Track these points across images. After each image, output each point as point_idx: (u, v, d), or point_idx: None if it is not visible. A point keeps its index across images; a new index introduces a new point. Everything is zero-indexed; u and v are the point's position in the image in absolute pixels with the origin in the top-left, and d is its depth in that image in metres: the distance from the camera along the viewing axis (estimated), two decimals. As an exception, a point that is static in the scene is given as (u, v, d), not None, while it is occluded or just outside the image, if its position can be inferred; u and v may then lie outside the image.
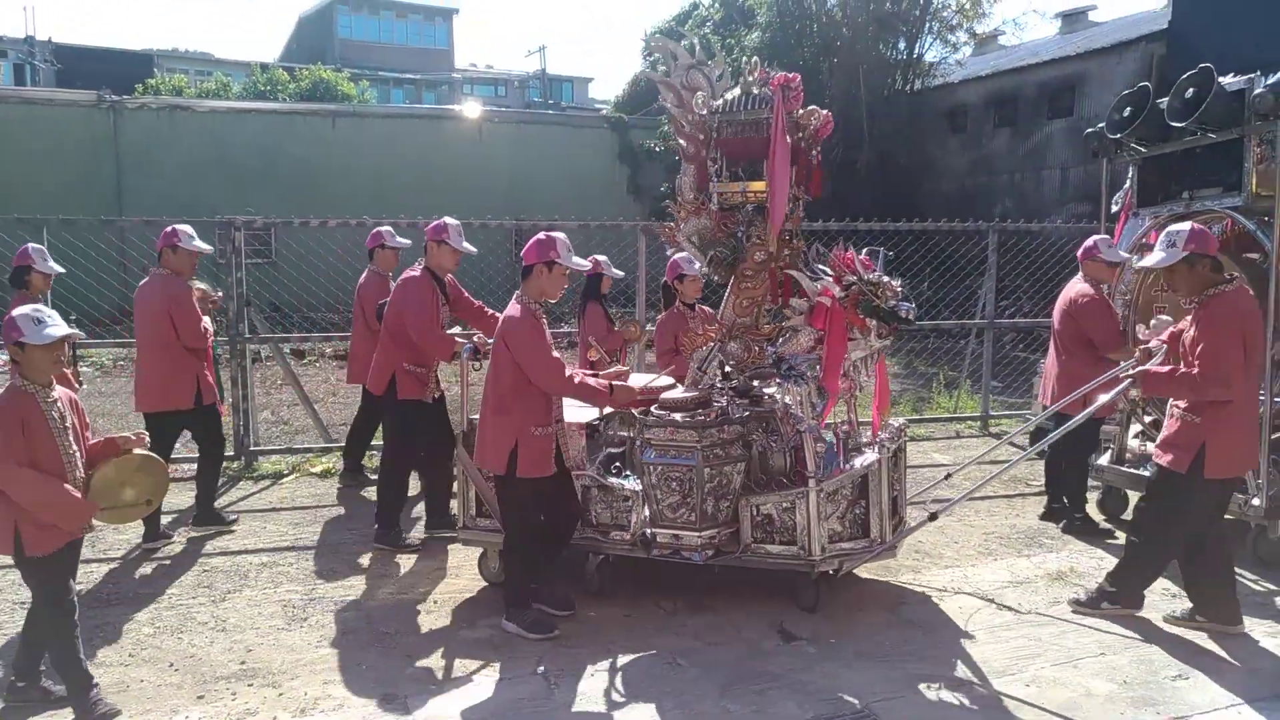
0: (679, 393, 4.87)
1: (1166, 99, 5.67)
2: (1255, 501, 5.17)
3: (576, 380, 4.37)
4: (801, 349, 4.56)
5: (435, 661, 4.20)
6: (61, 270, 6.20)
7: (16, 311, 3.55)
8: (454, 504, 5.48)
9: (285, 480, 7.49)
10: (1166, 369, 4.32)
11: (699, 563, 4.56)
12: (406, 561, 5.54)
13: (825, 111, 4.91)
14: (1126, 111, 5.92)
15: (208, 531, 6.03)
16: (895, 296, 4.43)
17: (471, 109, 26.09)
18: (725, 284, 5.07)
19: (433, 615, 4.73)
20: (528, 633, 4.40)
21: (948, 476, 5.58)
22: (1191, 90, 5.48)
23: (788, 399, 4.62)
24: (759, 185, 4.78)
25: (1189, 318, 4.28)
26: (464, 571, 5.34)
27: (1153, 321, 5.54)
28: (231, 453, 7.59)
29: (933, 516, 4.65)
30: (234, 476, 7.51)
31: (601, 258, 6.75)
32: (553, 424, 4.48)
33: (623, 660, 4.16)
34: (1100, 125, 6.16)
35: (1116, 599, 4.59)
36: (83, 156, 20.13)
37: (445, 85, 47.22)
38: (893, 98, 21.63)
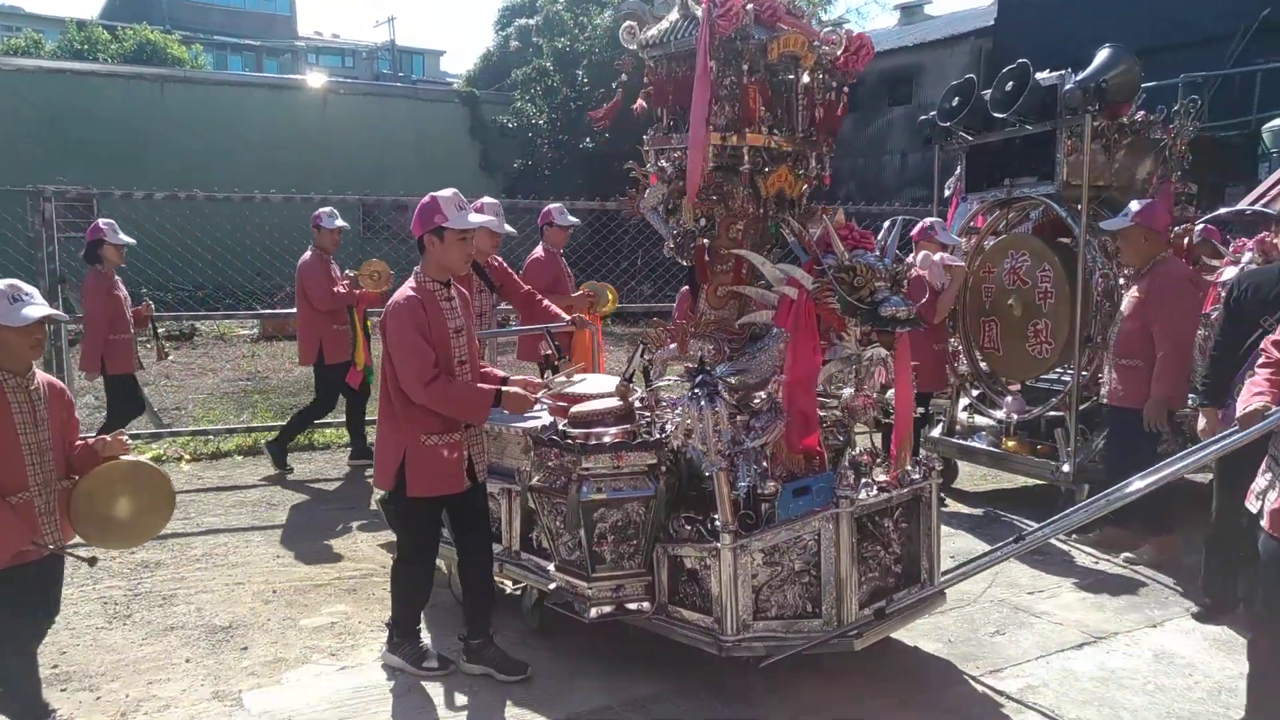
0: (598, 403, 3.79)
1: (990, 91, 6.01)
2: (1065, 468, 5.58)
3: (445, 385, 3.53)
4: (773, 357, 3.60)
5: (272, 654, 4.04)
6: (133, 241, 6.65)
7: None
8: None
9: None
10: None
11: (586, 620, 3.58)
12: (242, 549, 5.29)
13: (860, 34, 3.84)
14: (955, 101, 6.24)
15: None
16: (884, 288, 3.41)
17: (316, 79, 24.95)
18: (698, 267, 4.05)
19: (270, 605, 4.54)
20: (412, 666, 3.79)
21: (1020, 539, 3.70)
22: (1011, 84, 5.82)
23: (687, 422, 3.47)
24: (684, 139, 3.66)
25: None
26: (304, 559, 5.16)
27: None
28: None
29: (879, 614, 3.51)
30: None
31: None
32: (458, 430, 3.67)
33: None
34: (933, 114, 6.47)
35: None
36: None
37: (288, 54, 44.98)
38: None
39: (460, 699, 3.65)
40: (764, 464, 3.56)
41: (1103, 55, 5.80)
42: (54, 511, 3.17)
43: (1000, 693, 3.67)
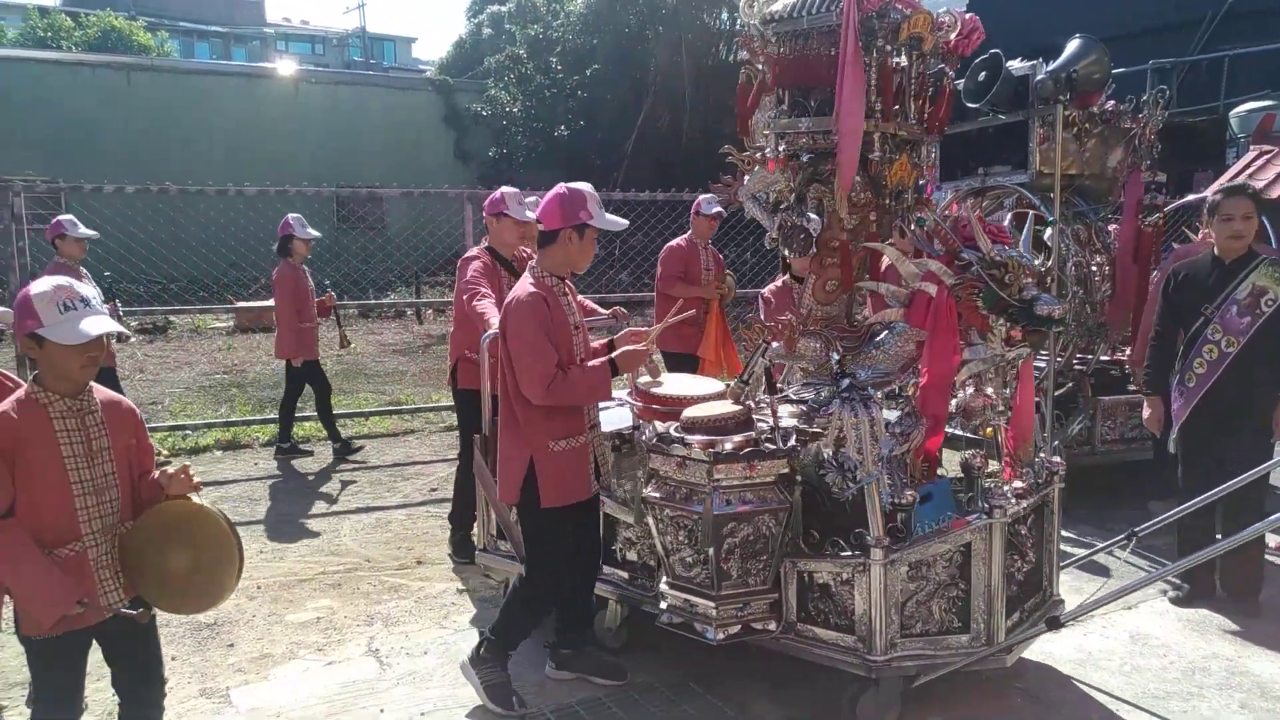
0: (712, 407, 3.52)
1: (963, 80, 6.06)
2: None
3: (563, 380, 3.25)
4: (896, 358, 3.41)
5: (258, 650, 4.04)
6: (319, 235, 7.20)
7: (39, 286, 2.41)
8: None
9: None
10: None
11: (712, 642, 3.27)
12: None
13: (969, 15, 3.62)
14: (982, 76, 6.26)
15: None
16: (1032, 285, 3.23)
17: (286, 67, 24.68)
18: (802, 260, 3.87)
19: (255, 601, 4.54)
20: (486, 697, 3.48)
21: (1132, 536, 3.68)
22: (983, 74, 5.88)
23: (844, 429, 3.31)
24: (824, 122, 3.45)
25: None
26: (288, 553, 5.15)
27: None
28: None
29: (1054, 624, 3.31)
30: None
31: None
32: (584, 431, 3.46)
33: (460, 642, 4.14)
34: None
35: None
36: None
37: (256, 40, 44.45)
38: (717, 67, 22.05)
39: (451, 675, 3.68)
40: (904, 473, 3.37)
41: (1073, 46, 5.88)
42: (117, 563, 2.58)
43: (980, 675, 3.75)
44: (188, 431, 7.72)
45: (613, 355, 3.43)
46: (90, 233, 6.63)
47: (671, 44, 20.79)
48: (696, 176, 15.18)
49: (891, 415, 3.41)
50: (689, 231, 6.58)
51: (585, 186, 3.43)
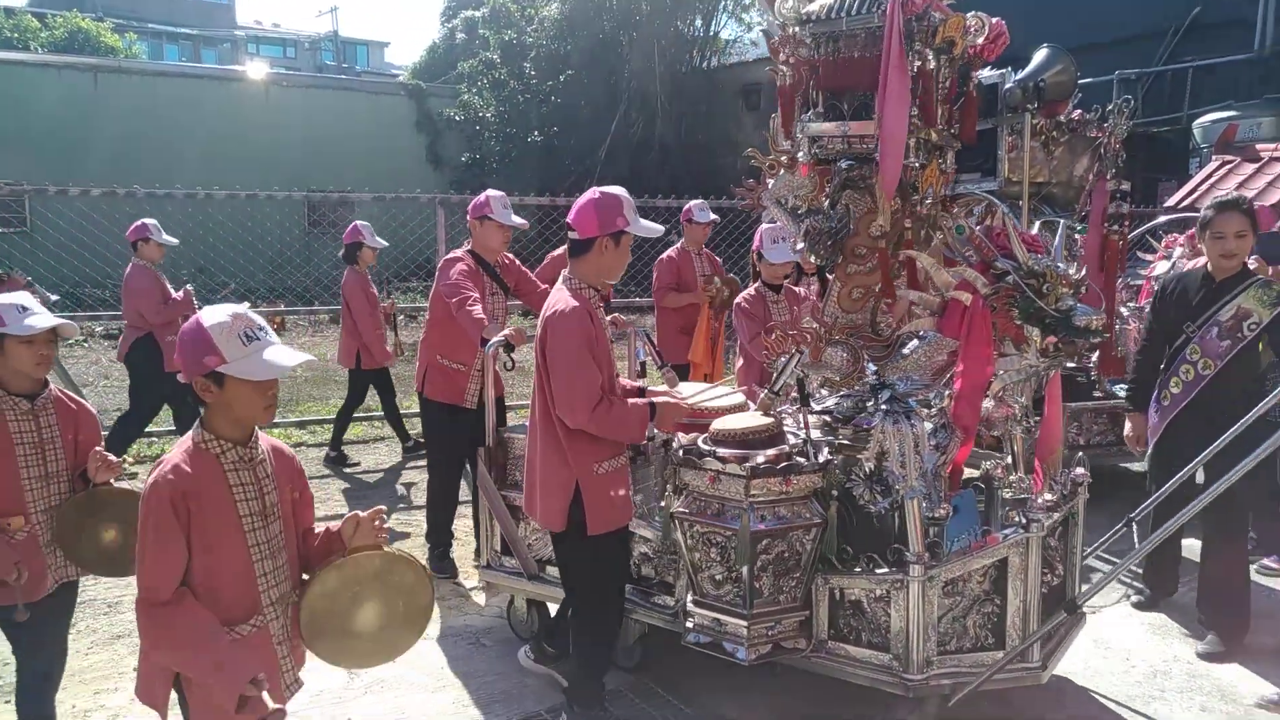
0: (741, 419, 3.47)
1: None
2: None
3: (607, 410, 3.09)
4: (926, 368, 3.32)
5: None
6: (386, 244, 7.32)
7: (213, 317, 2.16)
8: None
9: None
10: None
11: (743, 662, 3.20)
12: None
13: (995, 19, 3.57)
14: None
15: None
16: (1070, 295, 3.15)
17: (257, 70, 24.46)
18: (828, 265, 3.70)
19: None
20: None
21: (1129, 523, 3.47)
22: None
23: (886, 443, 3.23)
24: (866, 126, 3.32)
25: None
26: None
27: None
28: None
29: (1071, 608, 3.22)
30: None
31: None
32: (624, 452, 3.31)
33: (430, 651, 4.12)
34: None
35: None
36: None
37: (227, 43, 44.01)
38: (691, 74, 22.13)
39: (423, 680, 3.65)
40: (940, 486, 3.30)
41: (1041, 55, 5.93)
42: (290, 634, 2.32)
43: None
44: (153, 439, 7.62)
45: (653, 401, 3.27)
46: (171, 240, 6.81)
47: (645, 51, 20.84)
48: (670, 183, 15.23)
49: (926, 427, 3.33)
50: (680, 240, 6.54)
51: (620, 191, 3.26)
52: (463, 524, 5.26)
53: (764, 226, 5.04)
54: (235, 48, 43.77)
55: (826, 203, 3.49)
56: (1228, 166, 8.85)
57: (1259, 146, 9.15)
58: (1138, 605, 4.48)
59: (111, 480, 2.87)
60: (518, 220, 4.99)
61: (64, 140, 18.28)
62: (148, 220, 6.72)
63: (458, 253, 4.94)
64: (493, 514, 4.02)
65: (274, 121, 20.77)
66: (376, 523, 2.31)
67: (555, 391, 3.11)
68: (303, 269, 13.14)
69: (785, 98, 3.50)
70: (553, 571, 3.91)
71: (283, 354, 2.18)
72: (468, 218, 4.99)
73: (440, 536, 5.01)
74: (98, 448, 2.92)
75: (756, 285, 5.19)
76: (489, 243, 4.90)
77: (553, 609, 3.98)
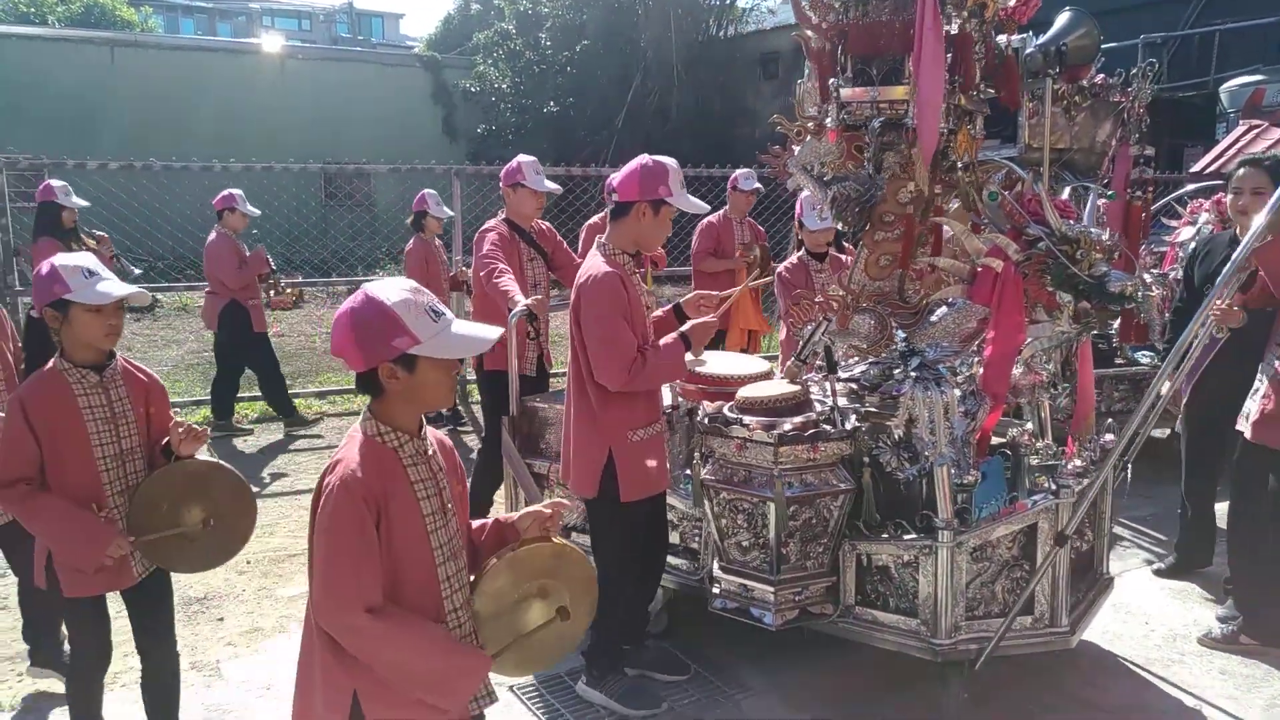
0: (767, 387, 3.52)
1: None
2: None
3: (641, 365, 3.08)
4: (955, 334, 3.26)
5: (249, 623, 4.06)
6: (450, 214, 7.38)
7: (394, 294, 1.88)
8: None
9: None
10: None
11: (770, 627, 3.23)
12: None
13: None
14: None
15: None
16: (1103, 261, 3.11)
17: (273, 43, 24.42)
18: (856, 232, 3.63)
19: (245, 576, 4.55)
20: (622, 706, 3.33)
21: (1126, 467, 3.58)
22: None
23: (915, 410, 3.20)
24: (897, 91, 3.26)
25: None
26: (278, 528, 5.16)
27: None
28: None
29: (1061, 540, 3.15)
30: None
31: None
32: (661, 418, 3.32)
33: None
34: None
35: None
36: None
37: (242, 16, 43.95)
38: (707, 43, 21.90)
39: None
40: (970, 453, 3.30)
41: (1063, 19, 5.82)
42: (471, 633, 2.05)
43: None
44: (175, 409, 7.69)
45: (684, 330, 3.22)
46: (255, 210, 7.15)
47: (661, 20, 20.62)
48: (685, 153, 15.13)
49: (955, 394, 3.32)
50: (725, 207, 6.57)
51: (670, 161, 3.24)
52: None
53: (803, 194, 4.95)
54: (250, 21, 43.70)
55: (870, 166, 3.42)
56: (1255, 131, 8.68)
57: (1287, 111, 8.98)
58: (1157, 572, 4.47)
59: (195, 453, 2.73)
60: (551, 185, 4.98)
61: (81, 115, 18.37)
62: (234, 190, 7.03)
63: (491, 223, 4.91)
64: (517, 481, 4.03)
65: (289, 94, 20.77)
66: (546, 510, 2.11)
67: (592, 357, 3.11)
68: (320, 240, 13.17)
69: (816, 62, 3.42)
70: (577, 539, 3.93)
71: (474, 328, 1.97)
72: (501, 185, 4.98)
73: (480, 503, 5.01)
74: (179, 418, 2.79)
75: (799, 254, 5.11)
76: (523, 209, 4.87)
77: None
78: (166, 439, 2.74)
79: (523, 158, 4.92)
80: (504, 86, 21.65)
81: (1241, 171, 4.05)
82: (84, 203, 6.74)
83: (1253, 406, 3.79)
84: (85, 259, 2.59)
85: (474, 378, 5.86)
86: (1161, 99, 7.92)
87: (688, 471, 3.59)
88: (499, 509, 4.59)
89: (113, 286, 2.57)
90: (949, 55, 3.18)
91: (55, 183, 6.54)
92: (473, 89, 21.80)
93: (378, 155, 12.60)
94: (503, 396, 4.60)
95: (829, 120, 3.38)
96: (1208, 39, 13.57)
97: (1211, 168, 8.49)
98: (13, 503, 2.58)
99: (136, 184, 11.52)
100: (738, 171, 6.65)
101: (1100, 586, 3.61)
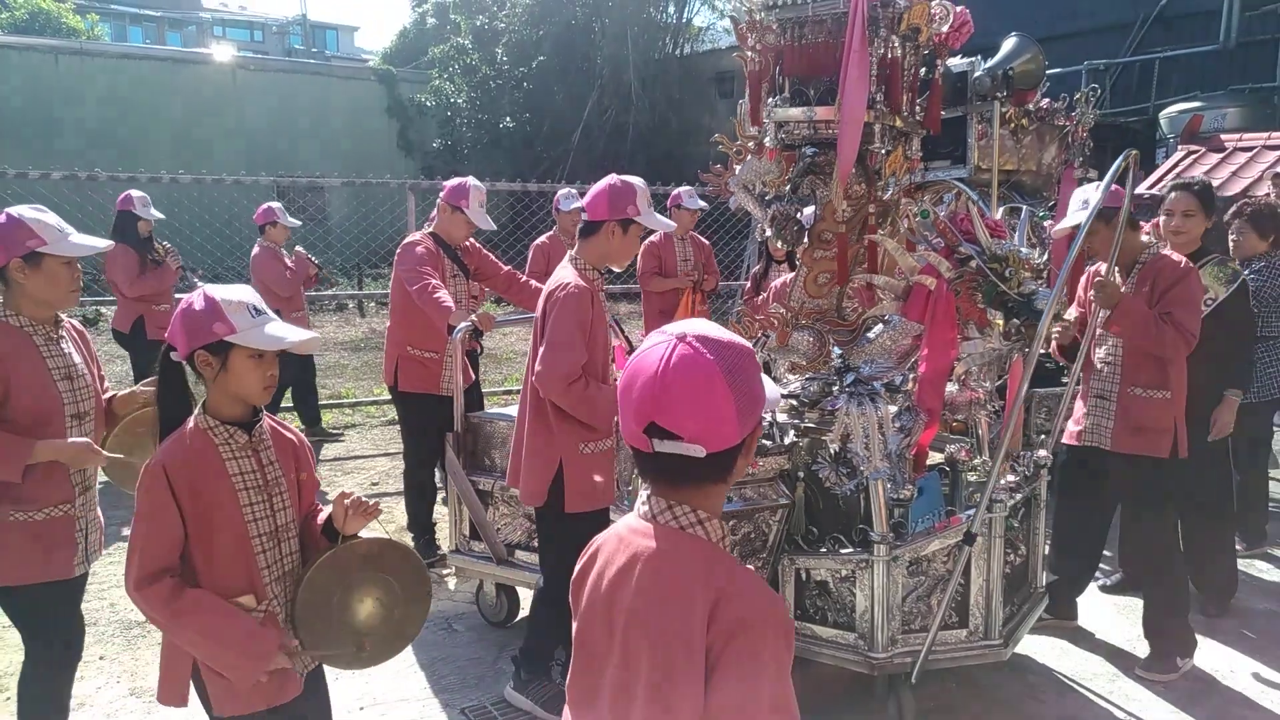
0: None
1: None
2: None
3: (583, 390, 3.15)
4: (890, 351, 3.31)
5: (191, 648, 3.95)
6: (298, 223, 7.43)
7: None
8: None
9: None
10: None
11: None
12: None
13: (959, 8, 3.64)
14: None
15: None
16: (1032, 279, 3.16)
17: (224, 53, 24.09)
18: (795, 251, 3.74)
19: (188, 599, 4.43)
20: (546, 711, 3.37)
21: (1057, 456, 3.83)
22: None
23: (850, 425, 3.23)
24: (829, 112, 3.29)
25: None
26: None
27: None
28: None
29: (970, 539, 3.12)
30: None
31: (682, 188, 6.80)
32: (614, 434, 3.31)
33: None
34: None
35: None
36: None
37: (192, 26, 43.35)
38: (664, 61, 22.06)
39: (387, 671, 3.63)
40: (904, 469, 3.33)
41: (1009, 43, 5.96)
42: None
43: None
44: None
45: None
46: (295, 221, 7.30)
47: (618, 37, 20.74)
48: (644, 170, 15.20)
49: (890, 410, 3.38)
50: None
51: (638, 181, 3.33)
52: (442, 511, 5.23)
53: (681, 188, 5.22)
54: (201, 30, 43.13)
55: (788, 188, 3.53)
56: (1193, 157, 8.94)
57: (1223, 137, 9.27)
58: (1104, 589, 4.55)
59: (360, 531, 2.26)
60: (489, 224, 4.89)
61: (27, 124, 17.95)
62: (274, 204, 7.15)
63: (416, 236, 4.84)
64: (461, 499, 4.00)
65: (241, 105, 20.50)
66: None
67: (540, 358, 3.16)
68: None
69: (753, 83, 3.50)
70: (521, 556, 3.91)
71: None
72: (440, 198, 4.87)
73: (422, 526, 4.97)
74: (344, 490, 2.25)
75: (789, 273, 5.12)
76: (454, 232, 4.82)
77: (523, 594, 3.97)
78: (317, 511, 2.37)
79: (473, 183, 4.81)
80: (460, 101, 21.60)
81: (1173, 195, 4.18)
82: (160, 215, 6.75)
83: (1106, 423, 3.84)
84: (247, 293, 2.15)
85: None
86: (1104, 124, 8.13)
87: (630, 488, 3.59)
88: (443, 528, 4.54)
89: (283, 329, 2.15)
90: (875, 76, 3.27)
91: (135, 193, 6.63)
92: (428, 103, 21.72)
93: (332, 169, 12.50)
94: (425, 418, 4.66)
95: (767, 140, 3.44)
96: (1148, 66, 13.98)
97: (1151, 191, 8.72)
98: (158, 605, 2.03)
99: (79, 194, 11.28)
100: (680, 189, 6.73)
101: (1034, 600, 3.66)
